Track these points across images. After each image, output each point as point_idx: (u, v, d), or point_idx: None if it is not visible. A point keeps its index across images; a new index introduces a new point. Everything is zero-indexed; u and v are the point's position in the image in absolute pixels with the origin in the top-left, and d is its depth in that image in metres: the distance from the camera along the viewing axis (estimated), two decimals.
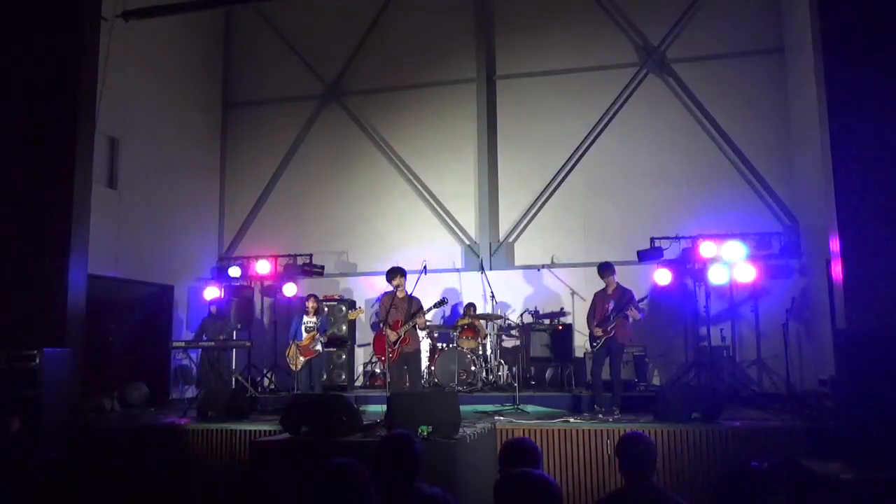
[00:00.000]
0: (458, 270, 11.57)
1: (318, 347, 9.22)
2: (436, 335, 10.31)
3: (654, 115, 11.27)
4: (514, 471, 2.76)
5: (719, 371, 9.50)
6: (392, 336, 7.88)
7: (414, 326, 7.95)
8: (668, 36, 11.32)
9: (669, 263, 10.15)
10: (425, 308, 8.17)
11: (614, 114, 11.41)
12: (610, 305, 7.95)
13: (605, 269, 8.18)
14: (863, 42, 6.28)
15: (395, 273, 8.10)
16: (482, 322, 10.39)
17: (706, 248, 9.84)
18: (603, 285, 8.23)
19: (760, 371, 9.95)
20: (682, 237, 10.25)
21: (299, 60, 12.72)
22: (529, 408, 8.26)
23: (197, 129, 12.46)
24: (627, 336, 8.05)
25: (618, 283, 8.12)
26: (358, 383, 11.16)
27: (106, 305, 9.78)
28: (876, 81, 6.18)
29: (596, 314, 8.09)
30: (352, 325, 11.18)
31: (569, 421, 7.01)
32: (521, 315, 10.68)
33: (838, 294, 6.30)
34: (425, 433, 5.31)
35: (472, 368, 9.63)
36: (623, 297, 7.93)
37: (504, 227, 11.72)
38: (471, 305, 10.49)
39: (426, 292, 8.91)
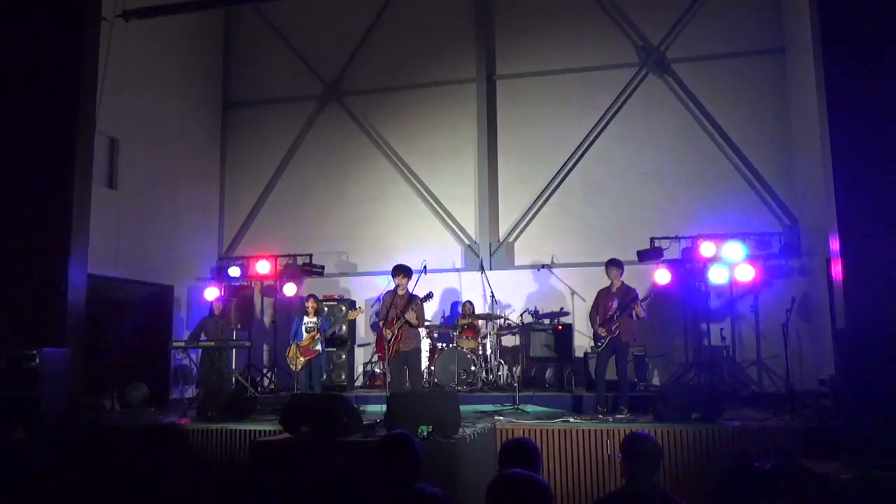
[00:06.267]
0: (458, 270, 11.58)
1: (319, 347, 9.21)
2: (436, 335, 10.31)
3: (654, 115, 11.27)
4: (504, 472, 2.77)
5: (719, 371, 9.49)
6: (387, 334, 7.86)
7: (406, 323, 7.89)
8: (667, 36, 11.32)
9: (669, 263, 10.15)
10: (414, 304, 8.11)
11: (614, 114, 11.42)
12: (614, 304, 7.95)
13: (611, 265, 8.16)
14: (863, 42, 6.28)
15: (399, 271, 8.04)
16: (480, 321, 10.39)
17: (706, 248, 9.84)
18: (605, 283, 8.23)
19: (760, 371, 9.95)
20: (682, 237, 10.25)
21: (299, 60, 12.73)
22: (529, 408, 8.26)
23: (197, 128, 12.46)
24: (632, 335, 8.04)
25: (623, 282, 8.12)
26: (358, 383, 11.17)
27: (106, 305, 9.77)
28: (876, 81, 6.18)
29: (599, 312, 8.09)
30: (352, 325, 11.18)
31: (569, 421, 7.01)
32: (521, 315, 10.67)
33: (838, 294, 6.30)
34: (425, 433, 5.31)
35: (472, 368, 9.63)
36: (627, 296, 7.92)
37: (504, 227, 11.72)
38: (468, 303, 10.49)
39: (427, 292, 8.88)
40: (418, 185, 12.09)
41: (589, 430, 6.47)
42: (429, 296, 8.27)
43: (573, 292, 10.79)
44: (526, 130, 11.79)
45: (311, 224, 12.35)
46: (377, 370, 10.63)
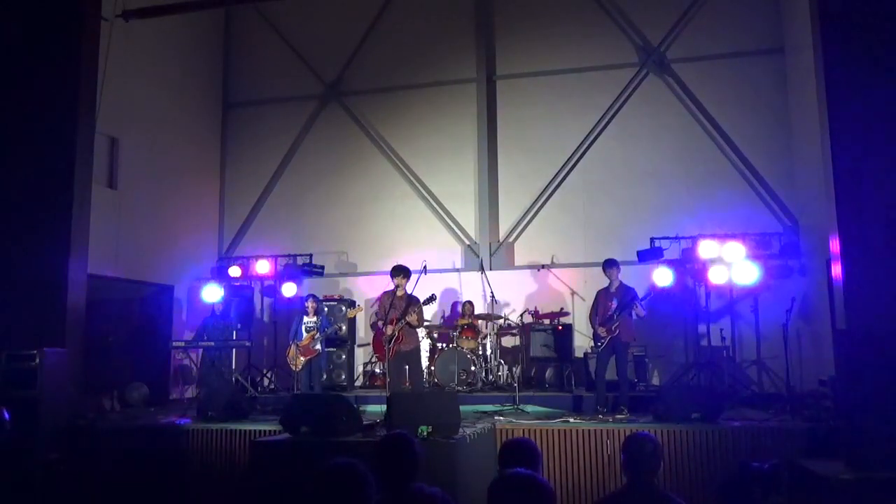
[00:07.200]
0: (458, 270, 11.57)
1: (318, 347, 9.20)
2: (436, 335, 10.31)
3: (654, 115, 11.27)
4: (506, 472, 2.78)
5: (719, 371, 9.49)
6: (387, 334, 7.86)
7: (407, 324, 7.90)
8: (668, 36, 11.32)
9: (669, 263, 10.14)
10: (415, 306, 8.12)
11: (614, 114, 11.41)
12: (613, 304, 7.96)
13: (609, 264, 8.19)
14: (863, 42, 6.28)
15: (398, 272, 8.06)
16: (480, 322, 10.39)
17: (706, 249, 9.83)
18: (605, 283, 8.23)
19: (760, 371, 9.93)
20: (682, 237, 10.24)
21: (299, 60, 12.72)
22: (529, 408, 8.26)
23: (197, 128, 12.46)
24: (631, 334, 8.05)
25: (621, 282, 8.13)
26: (358, 383, 11.16)
27: (106, 305, 9.78)
28: (876, 81, 6.17)
29: (598, 312, 8.09)
30: (352, 324, 11.18)
31: (569, 421, 7.01)
32: (521, 315, 10.67)
33: (838, 294, 6.29)
34: (425, 433, 5.31)
35: (472, 368, 9.63)
36: (626, 295, 7.93)
37: (504, 227, 11.71)
38: (468, 303, 10.49)
39: (427, 292, 8.88)
40: (418, 185, 12.09)
41: (589, 430, 6.48)
42: (431, 298, 8.28)
43: (573, 292, 10.79)
44: (526, 130, 11.79)
45: (310, 224, 12.35)
46: (377, 370, 10.62)
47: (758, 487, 2.78)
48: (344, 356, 10.80)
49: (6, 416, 5.02)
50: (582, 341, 10.23)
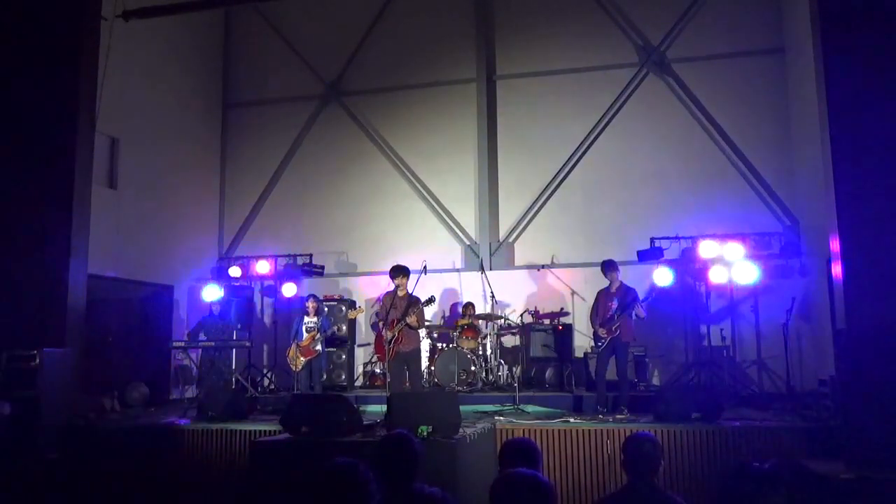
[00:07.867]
0: (458, 270, 11.57)
1: (319, 347, 9.22)
2: (436, 335, 10.31)
3: (654, 115, 11.27)
4: (507, 471, 2.78)
5: (719, 371, 9.49)
6: (388, 335, 7.87)
7: (407, 325, 7.90)
8: (668, 36, 11.32)
9: (669, 263, 10.15)
10: (416, 307, 8.12)
11: (614, 114, 11.41)
12: (613, 304, 7.95)
13: (608, 266, 8.18)
14: (863, 42, 6.28)
15: (398, 272, 8.07)
16: (480, 322, 10.39)
17: (706, 249, 9.84)
18: (605, 283, 8.24)
19: (760, 371, 9.94)
20: (682, 237, 10.25)
21: (299, 60, 12.73)
22: (529, 408, 8.26)
23: (197, 129, 12.46)
24: (631, 334, 8.04)
25: (621, 282, 8.13)
26: (358, 383, 11.16)
27: (106, 305, 9.78)
28: (876, 81, 6.17)
29: (599, 313, 8.09)
30: (352, 325, 11.18)
31: (569, 421, 7.01)
32: (521, 315, 10.67)
33: (838, 294, 6.29)
34: (425, 433, 5.31)
35: (472, 368, 9.62)
36: (627, 295, 7.92)
37: (504, 227, 11.71)
38: (469, 305, 10.49)
39: (427, 292, 8.88)
40: (418, 186, 12.09)
41: (589, 430, 6.48)
42: (431, 300, 8.28)
43: (573, 292, 10.79)
44: (526, 130, 11.79)
45: (311, 224, 12.35)
46: (377, 370, 10.63)
47: (758, 487, 2.77)
48: (344, 356, 10.81)
49: (8, 409, 5.03)
50: (582, 341, 10.23)
